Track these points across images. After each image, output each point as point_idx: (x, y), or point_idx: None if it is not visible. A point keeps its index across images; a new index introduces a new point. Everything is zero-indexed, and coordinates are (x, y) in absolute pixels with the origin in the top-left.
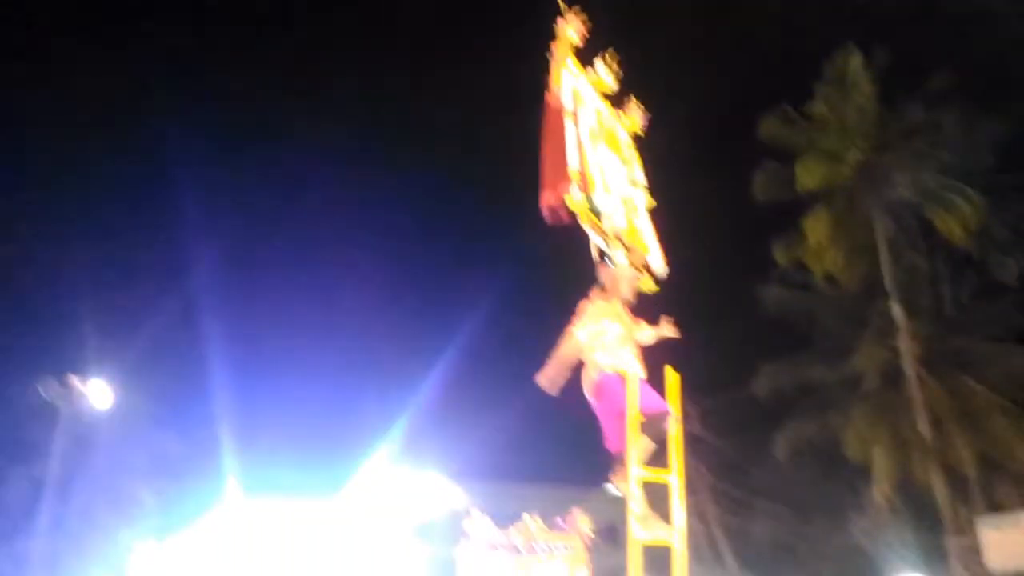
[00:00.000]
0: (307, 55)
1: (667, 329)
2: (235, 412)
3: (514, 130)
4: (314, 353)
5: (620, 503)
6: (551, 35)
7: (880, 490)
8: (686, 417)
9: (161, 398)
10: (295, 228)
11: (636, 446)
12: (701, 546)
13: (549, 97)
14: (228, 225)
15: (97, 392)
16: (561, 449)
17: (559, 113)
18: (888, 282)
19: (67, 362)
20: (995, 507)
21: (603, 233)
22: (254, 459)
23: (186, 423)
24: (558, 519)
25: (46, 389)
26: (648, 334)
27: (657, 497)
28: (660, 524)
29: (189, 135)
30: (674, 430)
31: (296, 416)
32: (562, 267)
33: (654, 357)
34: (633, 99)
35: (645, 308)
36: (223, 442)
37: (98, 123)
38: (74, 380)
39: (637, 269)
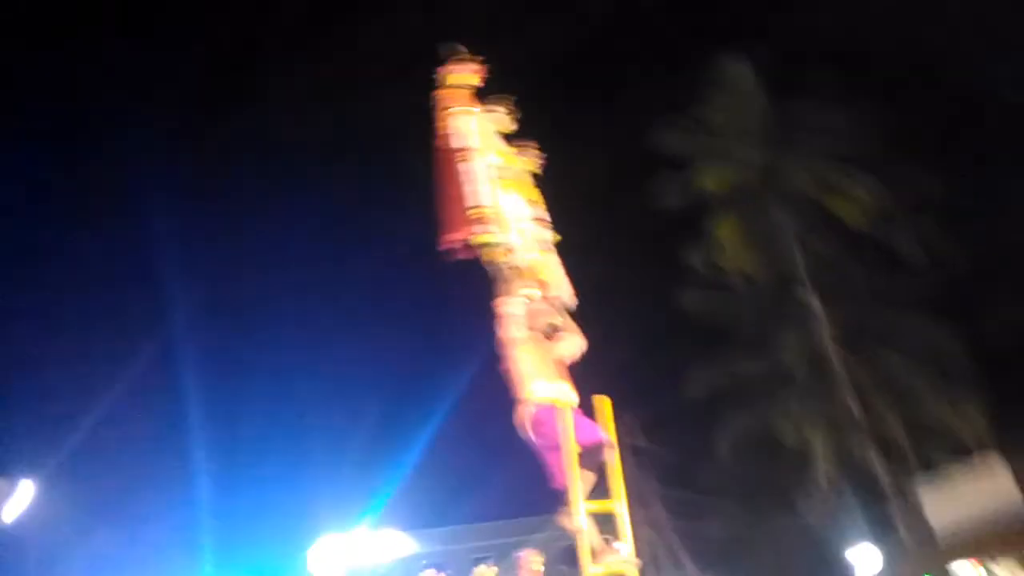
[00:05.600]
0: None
1: (574, 336)
2: (178, 505)
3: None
4: (267, 437)
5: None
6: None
7: (821, 471)
8: (628, 431)
9: (95, 494)
10: (245, 315)
11: (578, 480)
12: (659, 556)
13: (443, 140)
14: (176, 312)
15: (26, 494)
16: (515, 484)
17: (456, 154)
18: (799, 271)
19: None
20: (930, 468)
21: (512, 269)
22: (203, 544)
23: (124, 522)
24: (514, 556)
25: None
26: (567, 347)
27: (608, 519)
28: (612, 553)
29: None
30: (612, 458)
31: (249, 498)
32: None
33: (587, 380)
34: (530, 141)
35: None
36: (163, 538)
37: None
38: (1, 482)
39: (548, 302)
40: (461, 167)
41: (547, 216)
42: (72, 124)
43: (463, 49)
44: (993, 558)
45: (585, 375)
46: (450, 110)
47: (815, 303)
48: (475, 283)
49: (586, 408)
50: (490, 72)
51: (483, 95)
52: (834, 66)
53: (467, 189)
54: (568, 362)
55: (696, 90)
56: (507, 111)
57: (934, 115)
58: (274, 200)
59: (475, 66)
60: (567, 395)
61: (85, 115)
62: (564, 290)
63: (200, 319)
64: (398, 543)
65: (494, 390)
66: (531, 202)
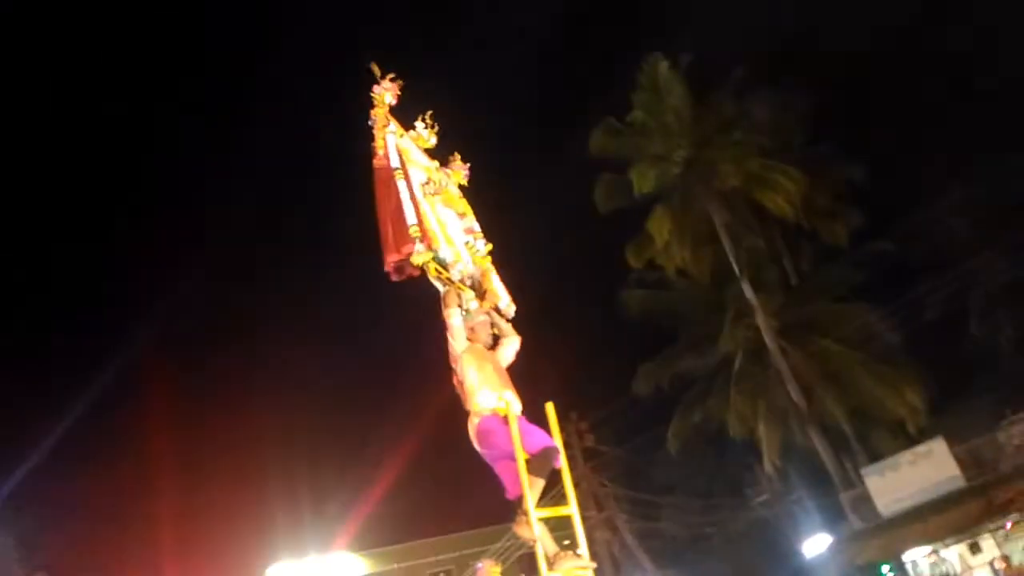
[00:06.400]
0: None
1: (511, 338)
2: (123, 541)
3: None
4: (213, 467)
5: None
6: (371, 103)
7: (769, 462)
8: (580, 434)
9: (27, 542)
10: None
11: (530, 488)
12: (618, 557)
13: (376, 161)
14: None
15: None
16: (473, 494)
17: (389, 174)
18: (734, 266)
19: None
20: (875, 455)
21: (452, 283)
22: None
23: (72, 551)
24: (473, 567)
25: None
26: (506, 351)
27: (563, 524)
28: (570, 558)
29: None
30: (561, 463)
31: (194, 535)
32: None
33: (534, 387)
34: (455, 155)
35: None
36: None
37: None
38: None
39: (488, 313)
40: (395, 187)
41: (478, 227)
42: None
43: (377, 69)
44: (943, 543)
45: (532, 381)
46: (380, 130)
47: (751, 295)
48: (423, 301)
49: (533, 415)
50: (406, 89)
51: (403, 112)
52: (756, 61)
53: (402, 208)
54: (509, 364)
55: (624, 93)
56: (427, 126)
57: (857, 105)
58: (239, 217)
59: (391, 85)
60: (512, 404)
61: None
62: (503, 299)
63: (158, 340)
64: (352, 565)
65: (446, 406)
66: (461, 215)
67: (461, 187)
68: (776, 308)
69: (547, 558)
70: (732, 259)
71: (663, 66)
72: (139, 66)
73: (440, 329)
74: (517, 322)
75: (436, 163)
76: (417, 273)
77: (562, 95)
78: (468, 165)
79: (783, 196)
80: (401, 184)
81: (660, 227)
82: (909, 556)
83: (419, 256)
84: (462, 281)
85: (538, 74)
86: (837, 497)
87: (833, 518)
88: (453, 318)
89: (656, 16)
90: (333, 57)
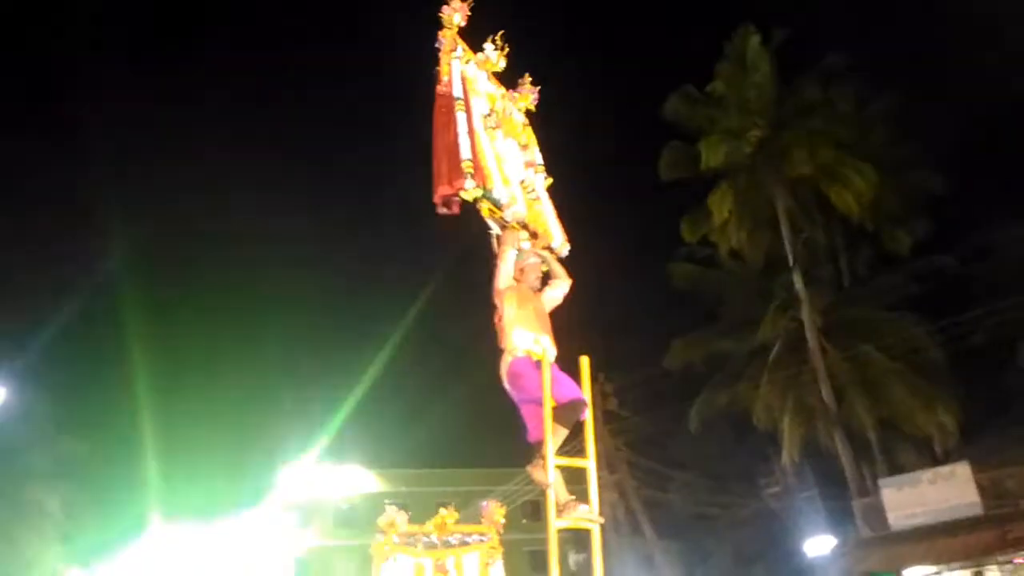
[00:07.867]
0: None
1: (561, 280)
2: (146, 416)
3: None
4: (231, 359)
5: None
6: (438, 24)
7: (788, 456)
8: (603, 395)
9: (63, 400)
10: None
11: (552, 435)
12: (621, 520)
13: (439, 87)
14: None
15: None
16: (489, 434)
17: (450, 104)
18: (789, 256)
19: None
20: (896, 468)
21: (504, 223)
22: (170, 467)
23: (90, 425)
24: (479, 505)
25: None
26: (554, 292)
27: (575, 475)
28: (579, 509)
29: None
30: (587, 417)
31: (214, 421)
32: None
33: (568, 340)
34: (526, 76)
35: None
36: (133, 448)
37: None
38: None
39: (539, 254)
40: (455, 118)
41: (541, 159)
42: None
43: None
44: (948, 566)
45: (569, 333)
46: (446, 54)
47: (801, 288)
48: (467, 235)
49: (565, 366)
50: (474, 10)
51: (473, 34)
52: (848, 51)
53: (459, 141)
54: (556, 305)
55: (709, 62)
56: (496, 47)
57: (948, 114)
58: (236, 123)
59: (460, 4)
60: (548, 349)
61: None
62: (556, 237)
63: (172, 233)
64: (363, 479)
65: (478, 341)
66: (524, 147)
67: (528, 112)
68: (823, 305)
69: (558, 505)
70: (788, 248)
71: (754, 40)
72: None
73: (486, 266)
74: (567, 261)
75: (503, 89)
76: (459, 212)
77: (642, 54)
78: (538, 88)
79: (852, 193)
80: (460, 116)
81: (721, 204)
82: (911, 573)
83: (470, 192)
84: (513, 221)
85: (620, 30)
86: (849, 502)
87: (841, 522)
88: (506, 256)
89: None
90: None
